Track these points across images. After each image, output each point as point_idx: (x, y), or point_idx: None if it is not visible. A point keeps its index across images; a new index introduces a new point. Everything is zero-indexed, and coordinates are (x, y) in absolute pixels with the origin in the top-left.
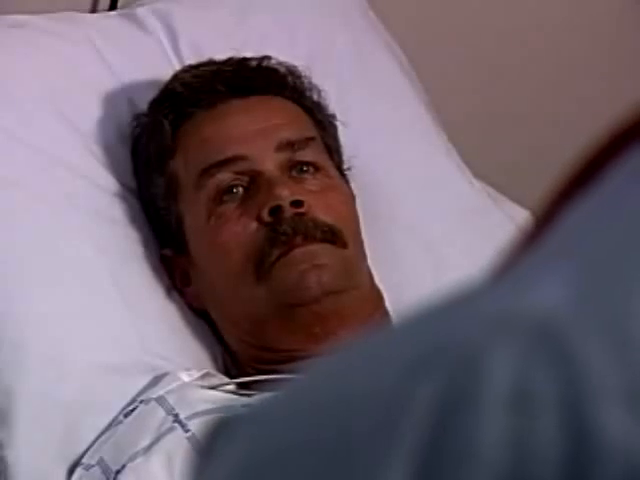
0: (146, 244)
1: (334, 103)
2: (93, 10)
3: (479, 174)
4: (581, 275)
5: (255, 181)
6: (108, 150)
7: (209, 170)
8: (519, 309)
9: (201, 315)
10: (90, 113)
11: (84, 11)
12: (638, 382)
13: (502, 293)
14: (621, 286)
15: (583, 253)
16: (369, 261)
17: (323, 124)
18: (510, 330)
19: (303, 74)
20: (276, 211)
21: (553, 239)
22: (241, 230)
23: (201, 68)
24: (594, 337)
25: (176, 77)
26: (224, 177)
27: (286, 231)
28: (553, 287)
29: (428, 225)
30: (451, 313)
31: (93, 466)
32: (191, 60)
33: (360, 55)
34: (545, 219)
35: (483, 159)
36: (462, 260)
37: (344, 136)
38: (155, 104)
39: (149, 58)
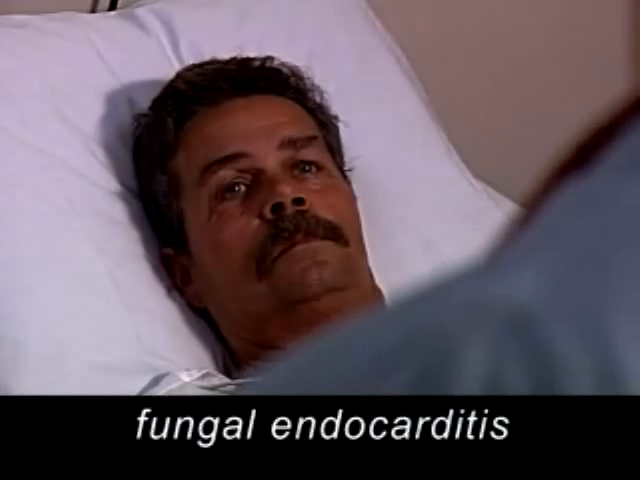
0: (146, 244)
1: (334, 103)
2: (93, 10)
3: (479, 174)
4: (557, 266)
5: (257, 179)
6: (108, 150)
7: (211, 167)
8: (492, 300)
9: (201, 315)
10: (90, 113)
11: (84, 11)
12: (609, 374)
13: (477, 284)
14: (596, 277)
15: (561, 244)
16: (369, 261)
17: (325, 125)
18: (483, 321)
19: (305, 75)
20: (278, 208)
21: (534, 229)
22: (243, 227)
23: (204, 67)
24: (567, 329)
25: (179, 75)
26: (226, 174)
27: (288, 228)
28: (528, 278)
29: (428, 225)
30: (425, 303)
31: None
32: (191, 60)
33: (360, 55)
34: (532, 209)
35: (483, 159)
36: (462, 260)
37: (344, 136)
38: (158, 102)
39: (149, 58)
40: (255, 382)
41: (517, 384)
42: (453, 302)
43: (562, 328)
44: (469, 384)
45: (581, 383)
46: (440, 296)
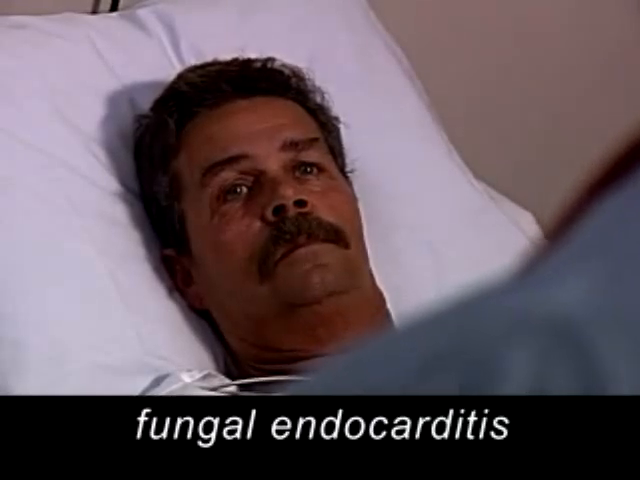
0: (147, 245)
1: (335, 104)
2: (94, 11)
3: (480, 175)
4: (602, 275)
5: (259, 180)
6: (109, 150)
7: (213, 169)
8: (538, 308)
9: (202, 316)
10: (91, 114)
11: (85, 12)
12: None
13: (522, 292)
14: None
15: (605, 254)
16: (370, 262)
17: (327, 126)
18: (528, 330)
19: (307, 76)
20: (280, 210)
21: (575, 241)
22: (245, 229)
23: (206, 68)
24: (613, 336)
25: (181, 77)
26: (228, 176)
27: (290, 230)
28: (572, 285)
29: (429, 226)
30: (468, 311)
31: None
32: (192, 61)
33: (360, 55)
34: (567, 222)
35: (484, 160)
36: (463, 261)
37: (345, 137)
38: (160, 103)
39: (150, 59)
40: (297, 386)
41: (562, 391)
42: (498, 311)
43: (608, 335)
44: (514, 390)
45: (626, 392)
46: (485, 304)
